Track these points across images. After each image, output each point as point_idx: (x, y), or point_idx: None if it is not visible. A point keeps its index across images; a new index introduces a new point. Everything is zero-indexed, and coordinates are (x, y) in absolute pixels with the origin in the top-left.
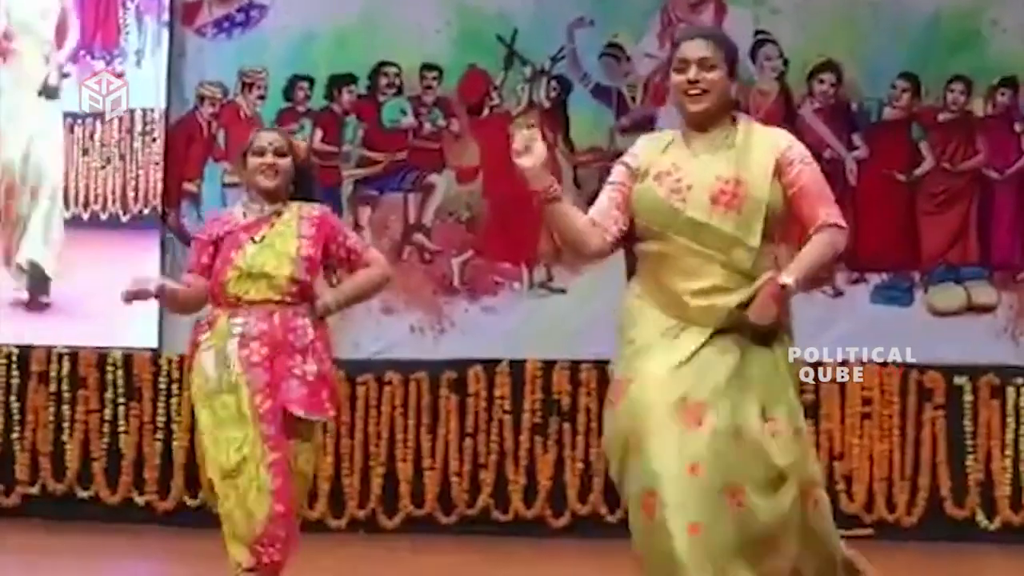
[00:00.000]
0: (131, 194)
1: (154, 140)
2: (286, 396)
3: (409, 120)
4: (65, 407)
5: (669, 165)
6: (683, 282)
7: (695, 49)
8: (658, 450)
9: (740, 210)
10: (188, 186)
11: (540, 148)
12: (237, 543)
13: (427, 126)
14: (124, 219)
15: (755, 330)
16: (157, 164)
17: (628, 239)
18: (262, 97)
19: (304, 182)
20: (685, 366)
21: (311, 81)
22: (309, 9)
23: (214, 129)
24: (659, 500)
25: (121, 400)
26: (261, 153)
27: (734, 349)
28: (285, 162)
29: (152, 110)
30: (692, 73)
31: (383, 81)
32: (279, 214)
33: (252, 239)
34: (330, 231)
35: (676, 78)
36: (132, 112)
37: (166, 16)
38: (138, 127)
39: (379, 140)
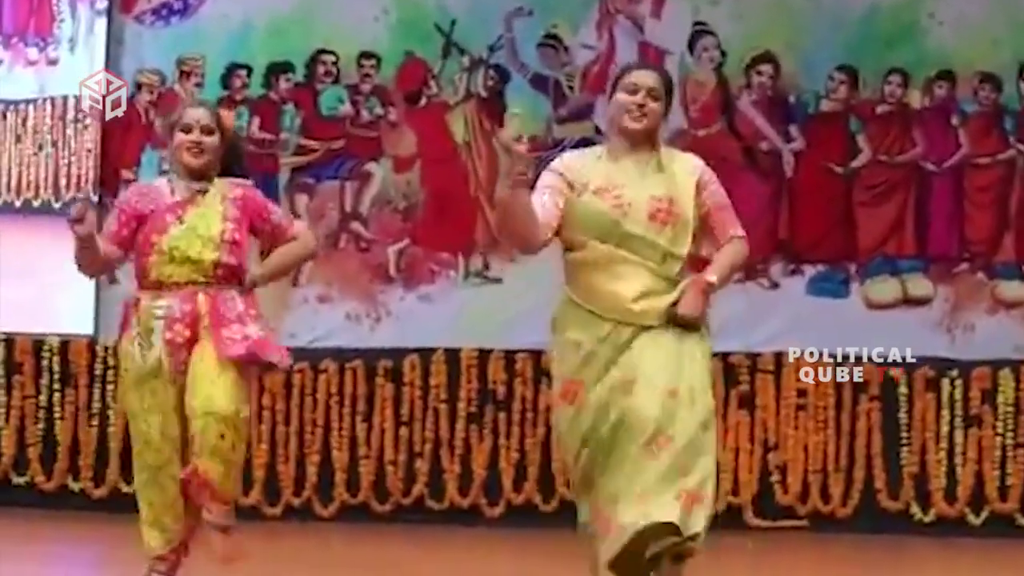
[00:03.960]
0: (63, 181)
1: (87, 127)
2: (227, 351)
3: (346, 108)
4: (0, 393)
5: (605, 182)
6: (619, 287)
7: (647, 79)
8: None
9: (673, 225)
10: (126, 173)
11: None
12: (153, 529)
13: (364, 114)
14: (56, 206)
15: (682, 324)
16: (90, 151)
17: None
18: (200, 85)
19: (231, 156)
20: (626, 353)
21: (249, 69)
22: None
23: (152, 116)
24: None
25: (57, 387)
26: (188, 130)
27: (667, 336)
28: (212, 140)
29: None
30: (640, 98)
31: (320, 69)
32: (204, 192)
33: (177, 220)
34: (255, 208)
35: (625, 98)
36: (65, 99)
37: (100, 3)
38: (71, 114)
39: (316, 128)
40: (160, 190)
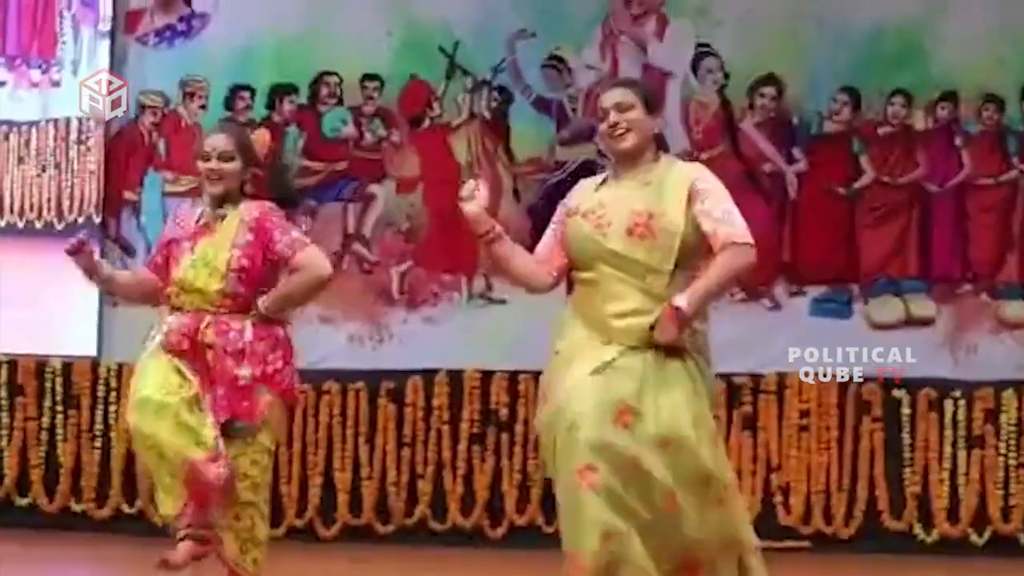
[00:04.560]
0: (66, 203)
1: (90, 149)
2: (217, 404)
3: (349, 130)
4: (3, 415)
5: (596, 203)
6: (607, 305)
7: (610, 97)
8: (590, 433)
9: (655, 240)
10: (128, 195)
11: (483, 195)
12: (165, 493)
13: (367, 136)
14: (59, 227)
15: (663, 348)
16: (93, 173)
17: (570, 268)
18: (203, 107)
19: (273, 178)
20: (608, 369)
21: (252, 91)
22: (251, 19)
23: (155, 138)
24: (600, 471)
25: (59, 408)
26: (206, 159)
27: (649, 358)
28: (231, 167)
29: (88, 119)
30: (613, 117)
31: (324, 91)
32: (223, 219)
33: (190, 251)
34: (265, 236)
35: (601, 127)
36: (68, 121)
37: (103, 25)
38: (74, 136)
39: (319, 150)
40: (192, 215)
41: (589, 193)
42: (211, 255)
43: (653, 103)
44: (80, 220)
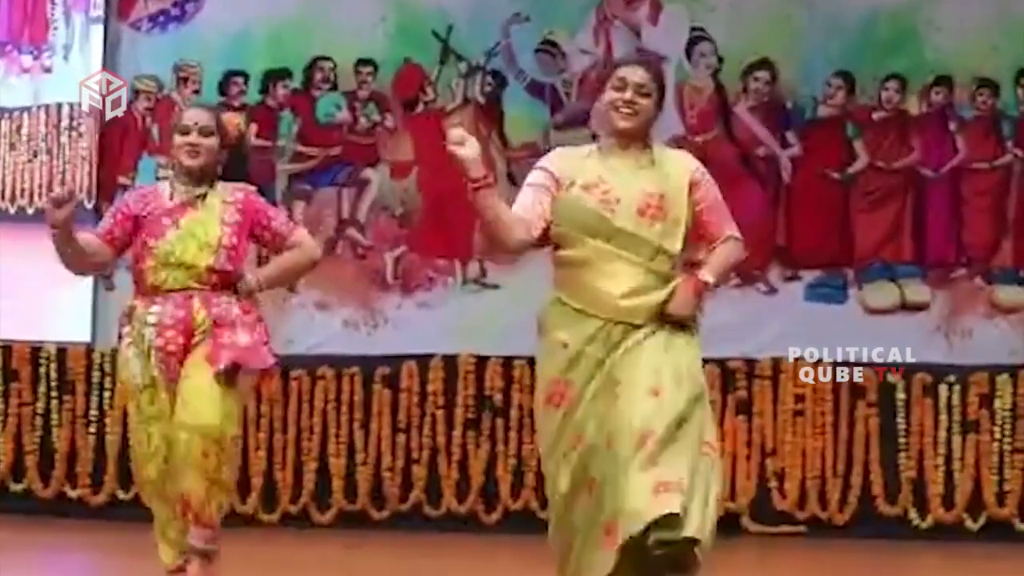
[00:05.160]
0: (57, 189)
1: (81, 135)
2: (217, 357)
3: (344, 115)
4: None
5: (595, 177)
6: (609, 284)
7: (635, 74)
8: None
9: (664, 221)
10: (123, 180)
11: (474, 142)
12: (163, 542)
13: (362, 121)
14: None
15: (672, 323)
16: (85, 159)
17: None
18: (197, 91)
19: (235, 161)
20: (615, 352)
21: (246, 76)
22: (244, 4)
23: (149, 123)
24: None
25: (54, 394)
26: (185, 132)
27: (659, 331)
28: (210, 142)
29: (79, 105)
30: (629, 94)
31: (318, 76)
32: (203, 197)
33: (174, 225)
34: (255, 214)
35: (613, 95)
36: (60, 107)
37: (94, 11)
38: (65, 122)
39: (313, 135)
40: (159, 193)
41: (579, 163)
42: (200, 231)
43: (662, 94)
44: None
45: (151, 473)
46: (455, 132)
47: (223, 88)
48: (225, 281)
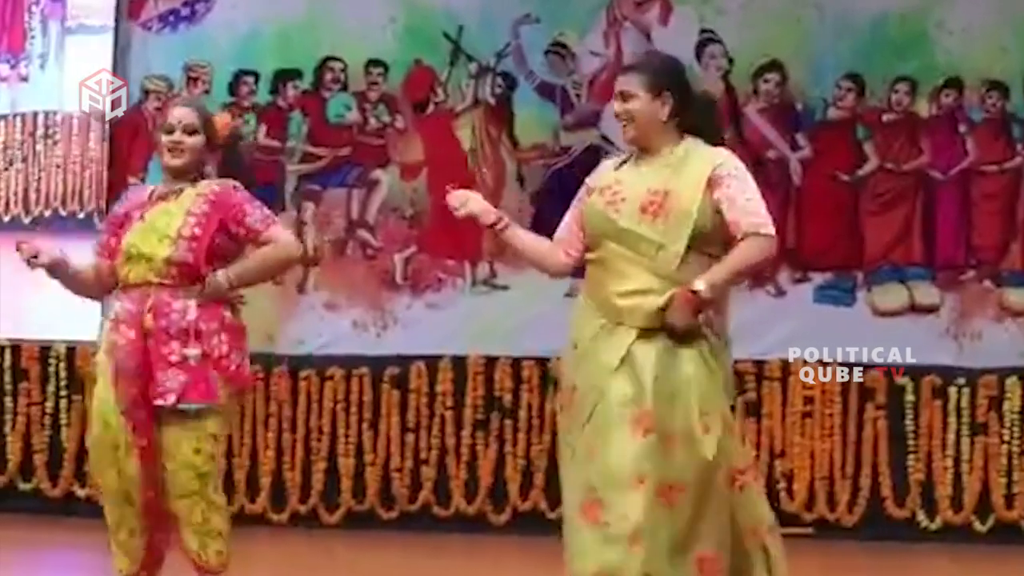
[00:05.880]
0: (33, 196)
1: (56, 143)
2: (159, 387)
3: (354, 116)
4: (7, 399)
5: (611, 180)
6: (613, 284)
7: (617, 85)
8: (608, 458)
9: (667, 218)
10: (133, 180)
11: (475, 196)
12: (113, 545)
13: (372, 122)
14: (26, 221)
15: (674, 331)
16: (59, 167)
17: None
18: (207, 91)
19: (229, 161)
20: (621, 369)
21: (256, 76)
22: (255, 4)
23: (159, 123)
24: (603, 505)
25: (63, 393)
26: (170, 131)
27: (662, 346)
28: (194, 140)
29: (55, 113)
30: (617, 106)
31: (328, 76)
32: (179, 192)
33: (140, 219)
34: (228, 208)
35: (614, 107)
36: (35, 115)
37: (70, 21)
38: (40, 130)
39: (323, 135)
40: (141, 192)
41: (609, 172)
42: (162, 223)
43: (663, 83)
44: (80, 214)
45: (94, 458)
46: (453, 198)
47: (233, 88)
48: (186, 275)
